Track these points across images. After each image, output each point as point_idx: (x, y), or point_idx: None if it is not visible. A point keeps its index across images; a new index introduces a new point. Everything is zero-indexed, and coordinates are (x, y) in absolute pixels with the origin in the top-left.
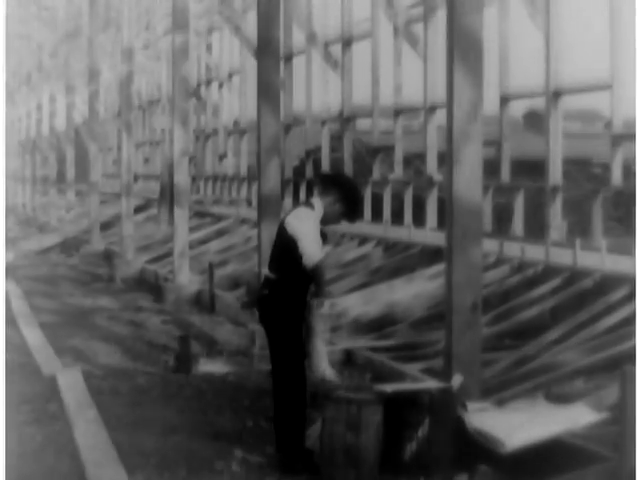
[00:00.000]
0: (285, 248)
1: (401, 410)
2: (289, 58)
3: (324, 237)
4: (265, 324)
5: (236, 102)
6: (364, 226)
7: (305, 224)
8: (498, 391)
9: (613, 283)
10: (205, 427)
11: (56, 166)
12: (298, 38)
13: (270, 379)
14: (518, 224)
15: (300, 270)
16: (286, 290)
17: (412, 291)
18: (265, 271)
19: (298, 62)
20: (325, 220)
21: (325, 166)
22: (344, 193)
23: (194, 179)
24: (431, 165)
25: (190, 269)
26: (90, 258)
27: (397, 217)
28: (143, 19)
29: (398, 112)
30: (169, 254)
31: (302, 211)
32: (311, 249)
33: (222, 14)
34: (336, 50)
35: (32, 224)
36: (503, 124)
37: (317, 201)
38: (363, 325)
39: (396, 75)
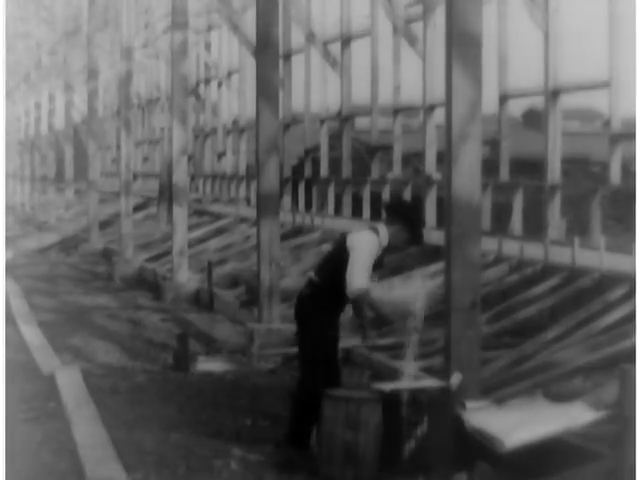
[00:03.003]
0: (337, 257)
1: (400, 409)
2: (288, 57)
3: (380, 264)
4: (300, 320)
5: (235, 101)
6: (363, 225)
7: (364, 248)
8: (497, 390)
9: (612, 282)
10: (204, 425)
11: (55, 165)
12: (297, 37)
13: (269, 378)
14: (517, 223)
15: (342, 278)
16: (326, 293)
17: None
18: (310, 274)
19: (297, 61)
20: (390, 246)
21: (324, 165)
22: (409, 222)
23: (193, 178)
24: (430, 164)
25: (189, 268)
26: (89, 257)
27: None
28: (142, 18)
29: (397, 111)
30: (168, 252)
31: (367, 235)
32: (357, 276)
33: (221, 13)
34: (335, 49)
35: (31, 223)
36: (502, 123)
37: (382, 228)
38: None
39: (395, 74)
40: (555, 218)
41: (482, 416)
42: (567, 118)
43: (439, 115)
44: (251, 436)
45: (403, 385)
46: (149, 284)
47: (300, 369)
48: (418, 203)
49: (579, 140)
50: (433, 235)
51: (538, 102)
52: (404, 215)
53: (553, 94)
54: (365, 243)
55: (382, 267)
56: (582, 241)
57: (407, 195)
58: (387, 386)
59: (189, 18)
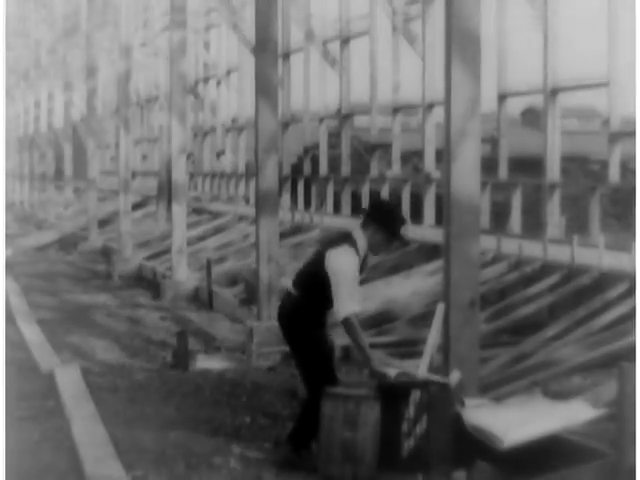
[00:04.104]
0: (316, 273)
1: (399, 406)
2: (287, 55)
3: (363, 267)
4: (289, 340)
5: (234, 99)
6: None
7: (347, 271)
8: (496, 387)
9: (611, 280)
10: (203, 423)
11: (54, 163)
12: (296, 35)
13: (268, 376)
14: (516, 221)
15: (324, 294)
16: (310, 311)
17: (410, 288)
18: (288, 285)
19: (296, 59)
20: (371, 249)
21: (323, 163)
22: (383, 224)
23: (192, 176)
24: (429, 162)
25: (188, 266)
26: (88, 255)
27: None
28: (141, 16)
29: (396, 109)
30: (167, 251)
31: (347, 254)
32: (345, 301)
33: (220, 11)
34: (334, 47)
35: (30, 221)
36: (501, 121)
37: (359, 234)
38: (361, 321)
39: (394, 72)
40: (554, 216)
41: (481, 414)
42: (566, 116)
43: (438, 113)
44: (250, 434)
45: (405, 377)
46: (148, 282)
47: (305, 383)
48: (392, 204)
49: (578, 139)
50: (432, 233)
51: (537, 100)
52: (377, 219)
53: (552, 93)
54: (347, 265)
55: (364, 270)
56: (581, 239)
57: (406, 194)
58: (392, 371)
59: (188, 17)
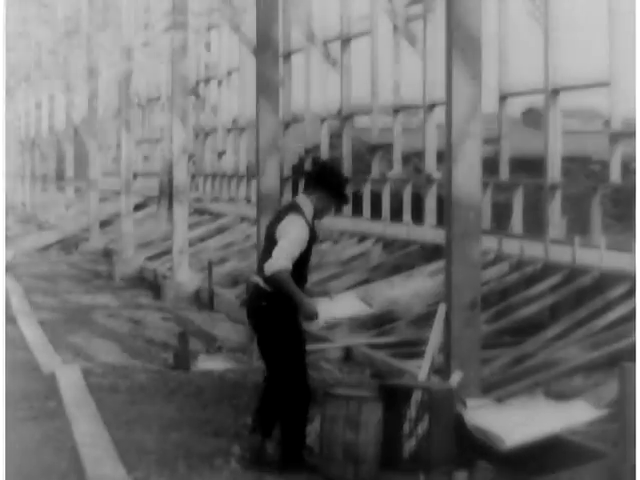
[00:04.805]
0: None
1: (400, 407)
2: (288, 56)
3: (315, 236)
4: (259, 333)
5: (235, 100)
6: (363, 223)
7: (293, 230)
8: (497, 388)
9: (612, 280)
10: (204, 424)
11: (55, 164)
12: (297, 36)
13: None
14: (517, 221)
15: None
16: (281, 302)
17: (411, 288)
18: (255, 279)
19: (297, 60)
20: (317, 214)
21: None
22: (328, 189)
23: (193, 177)
24: (430, 163)
25: (189, 266)
26: (90, 256)
27: (396, 215)
28: (142, 17)
29: (397, 110)
30: (168, 251)
31: (292, 220)
32: (279, 258)
33: (221, 12)
34: (335, 48)
35: (32, 222)
36: (502, 122)
37: (304, 199)
38: (362, 322)
39: (395, 73)
40: (555, 217)
41: (483, 414)
42: (567, 117)
43: (439, 114)
44: None
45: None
46: (149, 283)
47: (275, 381)
48: (333, 166)
49: (579, 139)
50: (433, 234)
51: (538, 101)
52: (321, 184)
53: (553, 93)
54: (294, 229)
55: (316, 239)
56: (582, 240)
57: (407, 194)
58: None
59: (189, 17)
